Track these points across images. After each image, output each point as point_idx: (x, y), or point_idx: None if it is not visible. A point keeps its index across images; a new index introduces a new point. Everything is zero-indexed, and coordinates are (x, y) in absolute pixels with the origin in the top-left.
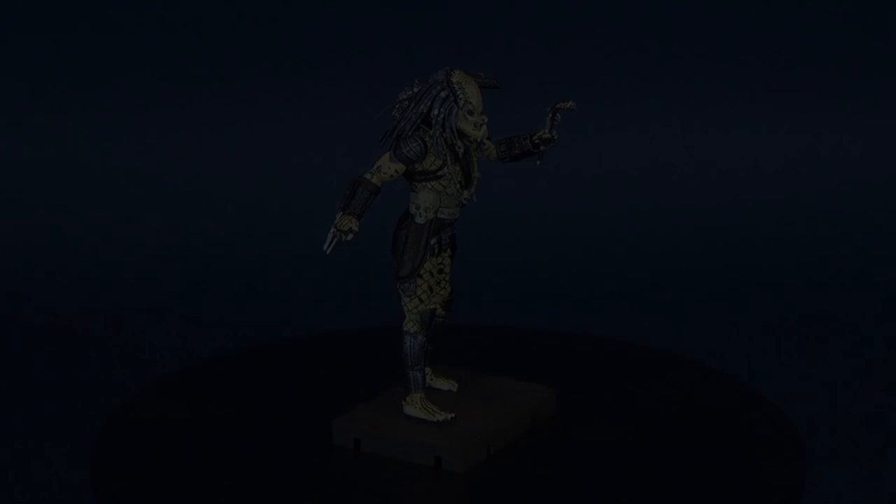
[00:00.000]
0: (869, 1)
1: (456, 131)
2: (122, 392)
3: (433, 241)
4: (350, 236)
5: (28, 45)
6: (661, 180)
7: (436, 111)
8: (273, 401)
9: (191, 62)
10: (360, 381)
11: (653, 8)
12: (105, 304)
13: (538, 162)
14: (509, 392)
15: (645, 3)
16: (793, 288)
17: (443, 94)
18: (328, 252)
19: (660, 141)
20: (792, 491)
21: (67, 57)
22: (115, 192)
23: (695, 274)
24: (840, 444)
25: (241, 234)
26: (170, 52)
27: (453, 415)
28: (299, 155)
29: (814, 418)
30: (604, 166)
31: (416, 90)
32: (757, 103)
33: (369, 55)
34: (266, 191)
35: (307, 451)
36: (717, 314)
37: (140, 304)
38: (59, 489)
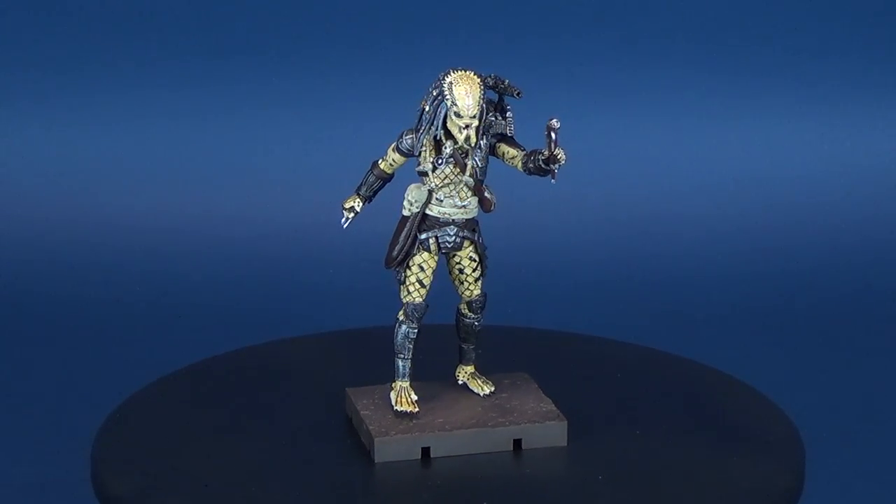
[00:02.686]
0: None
1: (442, 131)
2: (121, 391)
3: (427, 236)
4: (351, 214)
5: (23, 35)
6: (664, 184)
7: (427, 108)
8: (274, 399)
9: (196, 59)
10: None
11: (671, 10)
12: (105, 302)
13: (552, 180)
14: (516, 411)
15: (660, 3)
16: (794, 288)
17: (434, 93)
18: (344, 227)
19: (664, 143)
20: (792, 490)
21: (72, 50)
22: (116, 189)
23: (696, 275)
24: (841, 444)
25: (241, 234)
26: (174, 51)
27: (416, 410)
28: (301, 153)
29: (814, 418)
30: (611, 169)
31: None
32: (766, 108)
33: (393, 51)
34: (267, 190)
35: (307, 449)
36: (718, 314)
37: (140, 303)
38: (60, 488)
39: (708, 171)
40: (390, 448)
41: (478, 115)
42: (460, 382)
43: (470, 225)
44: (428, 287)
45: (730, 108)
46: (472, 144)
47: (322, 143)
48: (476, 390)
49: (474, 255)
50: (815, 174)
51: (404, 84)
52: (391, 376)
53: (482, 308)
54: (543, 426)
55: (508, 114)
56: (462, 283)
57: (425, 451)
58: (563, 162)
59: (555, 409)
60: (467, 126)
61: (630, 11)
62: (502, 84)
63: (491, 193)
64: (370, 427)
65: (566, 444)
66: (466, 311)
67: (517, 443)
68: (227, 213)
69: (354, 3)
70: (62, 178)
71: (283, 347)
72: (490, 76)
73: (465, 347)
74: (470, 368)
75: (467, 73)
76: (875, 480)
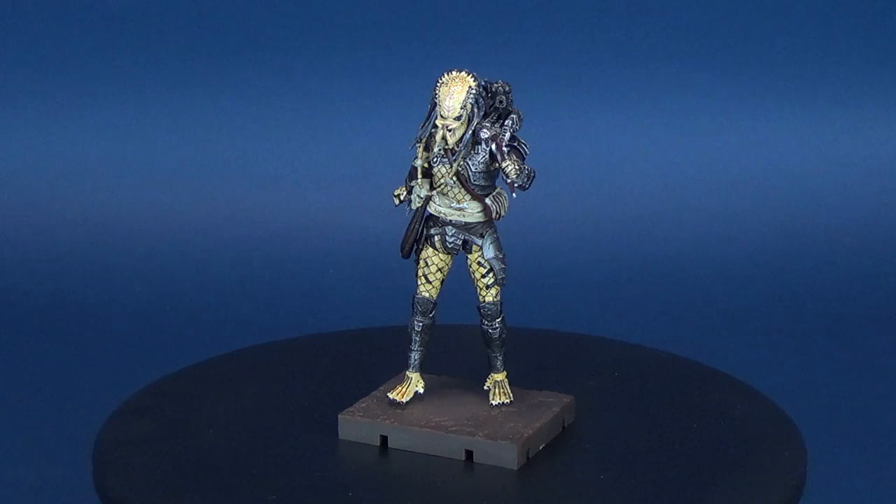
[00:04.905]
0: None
1: (429, 131)
2: (122, 391)
3: (433, 233)
4: (397, 201)
5: (22, 35)
6: (665, 184)
7: (429, 107)
8: (274, 399)
9: (196, 59)
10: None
11: (671, 10)
12: (105, 302)
13: (513, 194)
14: (485, 424)
15: (660, 3)
16: (795, 288)
17: (433, 93)
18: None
19: (665, 143)
20: (793, 490)
21: (77, 51)
22: (116, 189)
23: (696, 275)
24: (841, 444)
25: (241, 234)
26: (174, 51)
27: (403, 400)
28: (301, 154)
29: (814, 417)
30: (612, 169)
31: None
32: (766, 108)
33: (393, 51)
34: (267, 190)
35: (309, 447)
36: (718, 314)
37: (140, 303)
38: (61, 488)
39: (708, 171)
40: (351, 428)
41: (463, 118)
42: (485, 388)
43: (475, 229)
44: (434, 283)
45: (730, 108)
46: (449, 146)
47: (322, 144)
48: (490, 397)
49: (483, 262)
50: (815, 174)
51: (405, 85)
52: (390, 376)
53: (494, 317)
54: (494, 444)
55: (507, 122)
56: (475, 286)
57: (384, 440)
58: (514, 176)
59: (522, 431)
60: (445, 127)
61: (630, 11)
62: (499, 91)
63: (495, 201)
64: (352, 405)
65: (515, 468)
66: (480, 316)
67: (469, 454)
68: (227, 213)
69: (355, 4)
70: (62, 178)
71: (282, 348)
72: (497, 82)
73: (490, 354)
74: (498, 377)
75: (460, 74)
76: (876, 480)
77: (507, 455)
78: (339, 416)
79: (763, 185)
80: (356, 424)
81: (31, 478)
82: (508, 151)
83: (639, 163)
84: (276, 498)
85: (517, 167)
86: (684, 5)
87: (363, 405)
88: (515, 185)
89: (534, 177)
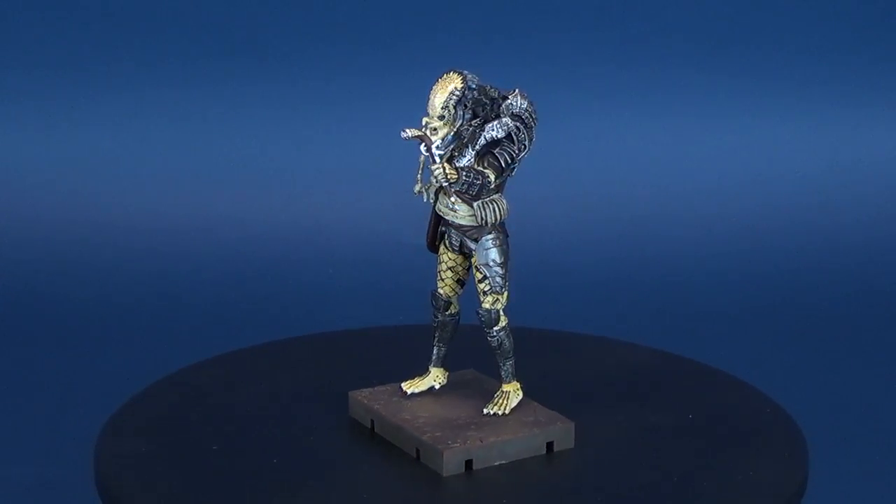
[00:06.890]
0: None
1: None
2: (124, 391)
3: (443, 230)
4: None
5: (22, 35)
6: (664, 184)
7: None
8: (274, 399)
9: (196, 59)
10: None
11: (671, 10)
12: (106, 302)
13: (450, 199)
14: (439, 427)
15: (660, 3)
16: (795, 288)
17: None
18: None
19: (665, 143)
20: (794, 490)
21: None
22: (116, 189)
23: (696, 275)
24: (842, 444)
25: (241, 234)
26: (174, 52)
27: (408, 391)
28: (301, 154)
29: (815, 417)
30: (611, 169)
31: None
32: (766, 108)
33: (393, 51)
34: (267, 190)
35: (312, 444)
36: (718, 314)
37: (141, 304)
38: (63, 488)
39: (708, 171)
40: (354, 409)
41: (447, 118)
42: (495, 395)
43: (470, 232)
44: (446, 280)
45: (730, 108)
46: (432, 145)
47: (321, 144)
48: (487, 405)
49: (479, 266)
50: (815, 174)
51: (405, 85)
52: (390, 376)
53: (490, 325)
54: (431, 448)
55: (487, 125)
56: (476, 290)
57: (373, 424)
58: (443, 181)
59: (467, 441)
60: (428, 125)
61: (630, 12)
62: (475, 94)
63: (484, 207)
64: (373, 387)
65: (443, 475)
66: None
67: (418, 452)
68: (227, 214)
69: (354, 5)
70: (62, 178)
71: (283, 347)
72: (489, 87)
73: (496, 363)
74: (507, 387)
75: (451, 74)
76: (876, 480)
77: (437, 461)
78: (350, 393)
79: (763, 185)
80: (357, 405)
81: (33, 478)
82: (484, 155)
83: (639, 163)
84: (218, 448)
85: (445, 173)
86: (684, 5)
87: (381, 388)
88: (453, 189)
89: (479, 185)
